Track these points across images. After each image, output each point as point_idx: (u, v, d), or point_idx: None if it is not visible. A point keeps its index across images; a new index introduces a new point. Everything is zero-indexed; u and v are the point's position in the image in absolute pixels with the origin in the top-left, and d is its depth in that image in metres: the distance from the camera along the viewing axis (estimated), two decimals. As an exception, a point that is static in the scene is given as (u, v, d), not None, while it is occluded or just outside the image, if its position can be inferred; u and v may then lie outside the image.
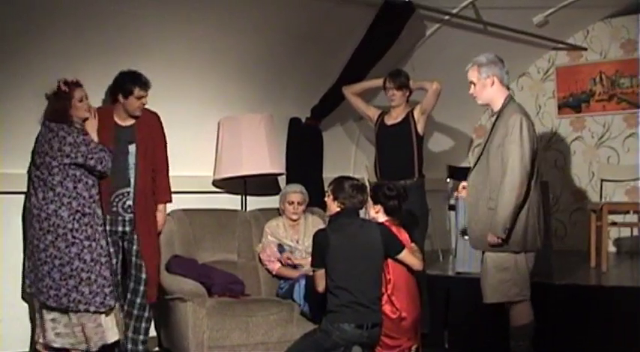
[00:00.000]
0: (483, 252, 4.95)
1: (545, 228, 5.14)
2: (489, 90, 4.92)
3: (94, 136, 5.26)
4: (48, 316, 5.13)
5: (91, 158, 5.14)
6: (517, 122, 4.73)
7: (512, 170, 4.68)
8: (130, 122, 5.53)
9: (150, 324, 5.66)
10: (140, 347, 5.57)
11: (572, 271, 7.21)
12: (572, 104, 8.92)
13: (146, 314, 5.59)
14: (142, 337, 5.58)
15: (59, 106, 5.16)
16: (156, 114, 5.66)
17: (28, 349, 5.53)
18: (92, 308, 5.09)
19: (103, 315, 5.17)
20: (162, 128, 5.68)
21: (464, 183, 5.12)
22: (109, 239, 5.42)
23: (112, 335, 5.23)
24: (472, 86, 4.98)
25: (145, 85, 5.43)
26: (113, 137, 5.44)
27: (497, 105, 4.93)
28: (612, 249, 8.40)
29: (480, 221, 4.86)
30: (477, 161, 4.97)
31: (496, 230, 4.72)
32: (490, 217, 4.76)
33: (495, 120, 4.93)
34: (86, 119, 5.28)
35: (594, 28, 8.79)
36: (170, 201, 5.78)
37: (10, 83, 5.31)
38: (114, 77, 5.52)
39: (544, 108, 9.09)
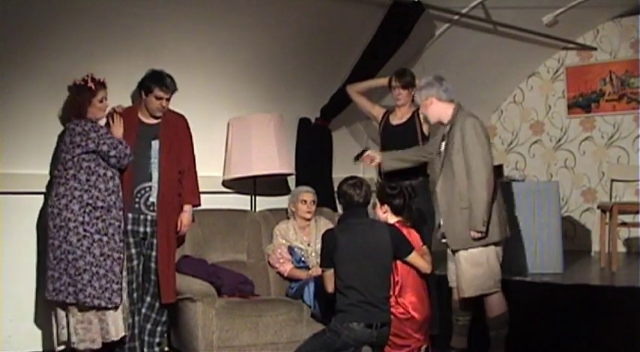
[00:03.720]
0: (454, 252, 5.33)
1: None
2: (432, 109, 5.43)
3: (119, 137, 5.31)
4: (62, 314, 5.16)
5: (103, 143, 5.15)
6: (471, 125, 5.23)
7: (477, 168, 5.14)
8: (155, 120, 5.56)
9: (165, 327, 5.70)
10: (156, 349, 5.62)
11: (581, 271, 7.20)
12: (582, 104, 8.89)
13: (163, 318, 5.65)
14: (157, 339, 5.63)
15: (79, 101, 5.19)
16: (183, 117, 5.69)
17: (37, 349, 5.56)
18: (103, 303, 5.11)
19: (111, 312, 5.18)
20: (189, 130, 5.70)
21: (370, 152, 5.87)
22: (131, 239, 5.45)
23: (115, 334, 5.23)
24: (421, 108, 5.57)
25: (166, 87, 5.44)
26: (136, 134, 5.47)
27: (447, 118, 5.39)
28: (622, 249, 8.38)
29: (456, 222, 5.27)
30: (441, 170, 5.36)
31: (476, 225, 5.14)
32: (464, 215, 5.20)
33: (449, 130, 5.34)
34: (104, 119, 5.34)
35: (604, 28, 8.76)
36: (198, 204, 5.77)
37: (22, 83, 5.33)
38: (124, 77, 5.55)
39: (554, 109, 9.07)
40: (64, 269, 5.05)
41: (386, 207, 5.16)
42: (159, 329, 5.63)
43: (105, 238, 5.14)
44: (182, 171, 5.62)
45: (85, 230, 5.07)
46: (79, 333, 5.11)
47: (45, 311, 5.57)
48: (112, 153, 5.17)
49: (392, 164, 5.86)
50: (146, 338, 5.59)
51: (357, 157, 5.95)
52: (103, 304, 5.11)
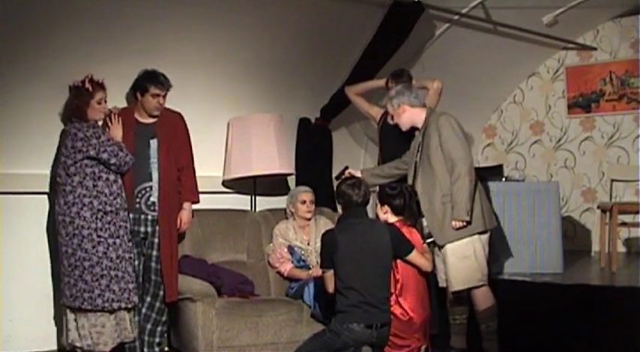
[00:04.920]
0: (440, 248, 5.39)
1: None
2: (404, 116, 5.56)
3: (118, 139, 5.31)
4: (71, 317, 5.17)
5: (104, 151, 5.15)
6: (446, 121, 5.36)
7: (459, 159, 5.25)
8: (152, 120, 5.57)
9: (165, 327, 5.70)
10: (156, 349, 5.62)
11: (581, 271, 7.20)
12: (582, 104, 8.89)
13: (164, 318, 5.65)
14: (157, 339, 5.63)
15: (77, 103, 5.20)
16: (179, 114, 5.70)
17: (37, 349, 5.56)
18: (123, 305, 5.16)
19: (124, 313, 5.21)
20: (186, 128, 5.71)
21: (350, 170, 5.84)
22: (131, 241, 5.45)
23: (128, 335, 5.27)
24: (394, 117, 5.65)
25: (161, 84, 5.46)
26: (134, 134, 5.47)
27: (420, 122, 5.51)
28: (622, 249, 8.38)
29: (438, 217, 5.34)
30: (418, 171, 5.45)
31: (460, 214, 5.22)
32: (447, 209, 5.29)
33: (424, 131, 5.44)
34: (103, 120, 5.34)
35: (604, 28, 8.76)
36: (197, 201, 5.78)
37: (22, 83, 5.33)
38: (124, 77, 5.55)
39: (554, 109, 9.07)
40: (79, 276, 5.08)
41: (386, 207, 5.15)
42: (159, 329, 5.63)
43: (117, 241, 5.18)
44: (180, 168, 5.62)
45: (98, 236, 5.11)
46: (93, 337, 5.13)
47: (44, 311, 5.59)
48: (113, 161, 5.19)
49: (373, 180, 5.76)
50: (146, 338, 5.59)
51: (338, 176, 5.93)
52: (123, 305, 5.17)
